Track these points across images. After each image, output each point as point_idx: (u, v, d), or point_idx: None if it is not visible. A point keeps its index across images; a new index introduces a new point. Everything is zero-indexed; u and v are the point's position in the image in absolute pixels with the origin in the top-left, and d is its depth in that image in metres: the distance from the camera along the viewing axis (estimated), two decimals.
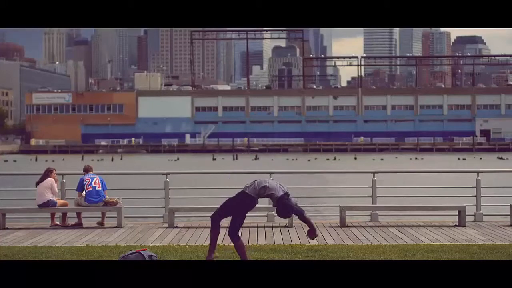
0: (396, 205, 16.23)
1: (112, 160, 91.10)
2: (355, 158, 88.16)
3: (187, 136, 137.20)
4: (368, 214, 15.58)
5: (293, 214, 9.62)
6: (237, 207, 9.51)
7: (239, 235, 9.64)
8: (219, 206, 9.81)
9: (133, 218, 16.28)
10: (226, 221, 9.88)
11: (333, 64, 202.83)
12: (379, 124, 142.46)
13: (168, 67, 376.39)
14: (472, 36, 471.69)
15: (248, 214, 15.97)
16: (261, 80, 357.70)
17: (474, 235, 13.18)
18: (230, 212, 9.62)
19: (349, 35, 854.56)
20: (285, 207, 9.38)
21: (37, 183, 14.99)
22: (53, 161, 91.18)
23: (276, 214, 9.70)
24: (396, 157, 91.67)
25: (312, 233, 9.46)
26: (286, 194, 9.46)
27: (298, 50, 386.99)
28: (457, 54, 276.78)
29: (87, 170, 15.25)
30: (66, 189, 15.64)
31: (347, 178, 36.95)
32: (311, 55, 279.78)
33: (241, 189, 9.54)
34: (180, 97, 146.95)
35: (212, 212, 9.84)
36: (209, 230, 13.90)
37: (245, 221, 15.37)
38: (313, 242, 12.28)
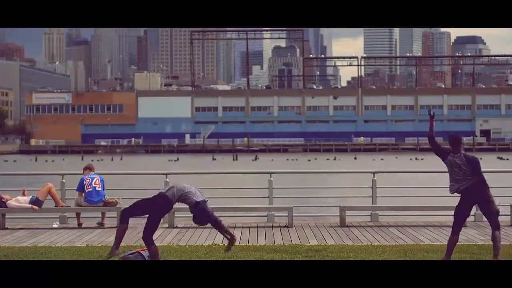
0: (396, 205, 16.23)
1: (112, 160, 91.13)
2: (355, 158, 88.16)
3: (187, 136, 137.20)
4: (368, 214, 15.58)
5: (209, 223, 9.39)
6: (154, 208, 9.25)
7: (153, 239, 9.41)
8: (134, 204, 9.61)
9: (133, 218, 16.25)
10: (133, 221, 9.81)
11: (333, 64, 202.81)
12: (379, 124, 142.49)
13: (168, 67, 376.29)
14: (472, 36, 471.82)
15: (248, 214, 16.05)
16: (261, 80, 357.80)
17: (474, 235, 13.18)
18: (144, 212, 9.36)
19: (349, 35, 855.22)
20: (202, 213, 9.19)
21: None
22: (53, 161, 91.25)
23: (192, 221, 9.47)
24: (396, 157, 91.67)
25: (231, 244, 9.37)
26: (204, 201, 9.26)
27: (298, 50, 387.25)
28: (457, 54, 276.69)
29: (89, 168, 15.21)
30: (66, 189, 15.62)
31: (347, 178, 36.95)
32: (311, 55, 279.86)
33: (158, 192, 9.31)
34: (180, 97, 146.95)
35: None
36: (209, 230, 13.93)
37: (245, 221, 15.43)
38: (313, 242, 12.29)
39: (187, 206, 16.03)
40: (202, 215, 9.21)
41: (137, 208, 9.44)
